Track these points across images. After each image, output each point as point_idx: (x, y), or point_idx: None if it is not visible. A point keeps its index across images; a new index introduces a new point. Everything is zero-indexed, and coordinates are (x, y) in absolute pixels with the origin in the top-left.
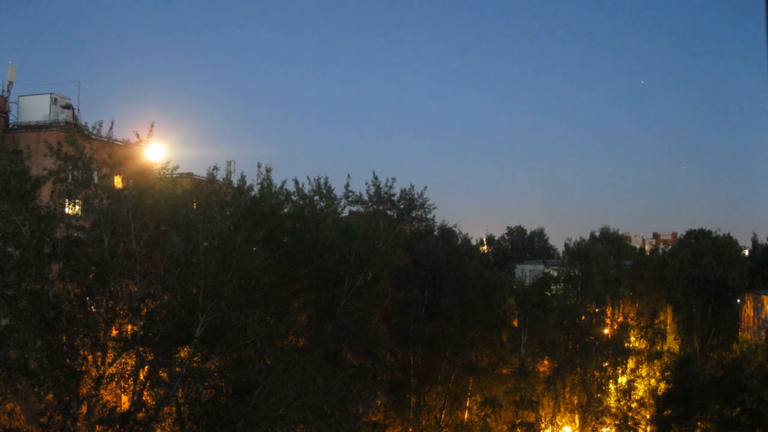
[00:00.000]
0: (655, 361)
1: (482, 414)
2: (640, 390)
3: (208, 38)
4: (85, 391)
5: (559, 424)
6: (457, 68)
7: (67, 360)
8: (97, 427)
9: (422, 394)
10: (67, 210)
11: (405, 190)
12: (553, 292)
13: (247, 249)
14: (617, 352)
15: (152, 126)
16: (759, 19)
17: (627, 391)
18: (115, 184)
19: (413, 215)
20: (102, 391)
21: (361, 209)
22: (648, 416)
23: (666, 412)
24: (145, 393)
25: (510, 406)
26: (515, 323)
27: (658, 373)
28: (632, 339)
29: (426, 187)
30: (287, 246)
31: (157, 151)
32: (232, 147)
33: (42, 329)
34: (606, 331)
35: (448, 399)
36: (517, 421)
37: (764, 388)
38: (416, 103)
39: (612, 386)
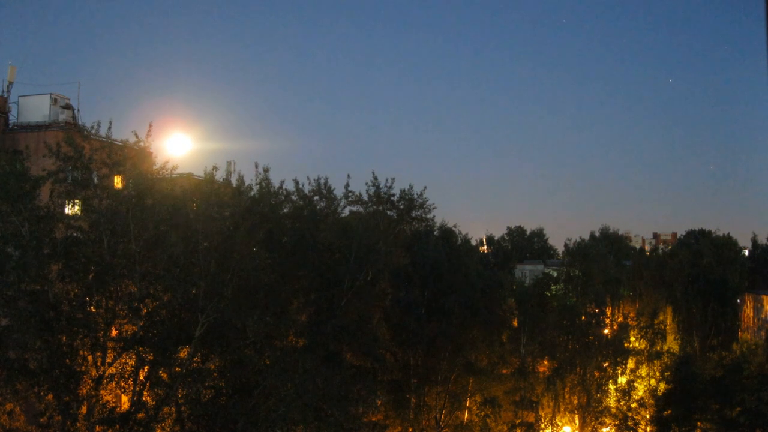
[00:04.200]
0: (655, 361)
1: (482, 414)
2: (640, 390)
3: (206, 38)
4: (84, 391)
5: (559, 424)
6: (457, 67)
7: (67, 360)
8: (97, 427)
9: (422, 394)
10: (66, 210)
11: (404, 190)
12: (553, 292)
13: (247, 249)
14: (617, 352)
15: (150, 126)
16: (758, 18)
17: (627, 391)
18: (115, 184)
19: (413, 215)
20: (102, 392)
21: (361, 209)
22: (648, 416)
23: (666, 412)
24: (145, 393)
25: (510, 406)
26: (515, 323)
27: (658, 373)
28: (632, 339)
29: (426, 187)
30: (287, 246)
31: (182, 143)
32: (230, 145)
33: (42, 329)
34: (606, 331)
35: (448, 399)
36: (517, 422)
37: (764, 388)
38: (416, 103)
39: (612, 386)
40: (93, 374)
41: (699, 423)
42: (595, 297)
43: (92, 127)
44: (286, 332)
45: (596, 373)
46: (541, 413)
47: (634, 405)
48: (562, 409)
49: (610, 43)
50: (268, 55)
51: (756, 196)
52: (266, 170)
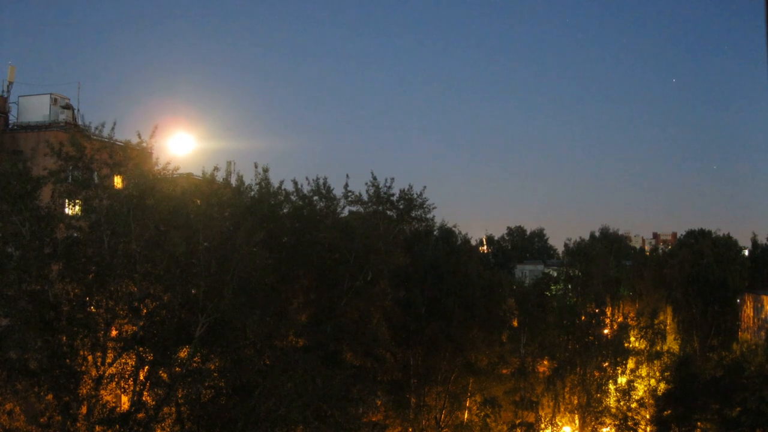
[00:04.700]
0: (655, 361)
1: (482, 414)
2: (640, 390)
3: (205, 37)
4: (84, 391)
5: (559, 424)
6: (457, 68)
7: (67, 360)
8: (97, 427)
9: (422, 394)
10: (67, 210)
11: (404, 190)
12: (553, 292)
13: (247, 249)
14: (617, 352)
15: (155, 127)
16: (758, 18)
17: (627, 392)
18: (116, 184)
19: (413, 215)
20: (102, 392)
21: (361, 209)
22: (648, 416)
23: (666, 412)
24: (145, 393)
25: (510, 406)
26: (515, 323)
27: (658, 373)
28: (632, 339)
29: (425, 187)
30: (287, 246)
31: (185, 142)
32: (232, 144)
33: (42, 329)
34: (606, 331)
35: (448, 399)
36: (517, 422)
37: (764, 388)
38: (416, 103)
39: (612, 386)
40: (93, 374)
41: (699, 423)
42: (595, 297)
43: (96, 128)
44: (286, 332)
45: (596, 373)
46: (541, 413)
47: (634, 405)
48: (562, 409)
49: (612, 42)
50: (269, 54)
51: (756, 196)
52: (266, 170)
